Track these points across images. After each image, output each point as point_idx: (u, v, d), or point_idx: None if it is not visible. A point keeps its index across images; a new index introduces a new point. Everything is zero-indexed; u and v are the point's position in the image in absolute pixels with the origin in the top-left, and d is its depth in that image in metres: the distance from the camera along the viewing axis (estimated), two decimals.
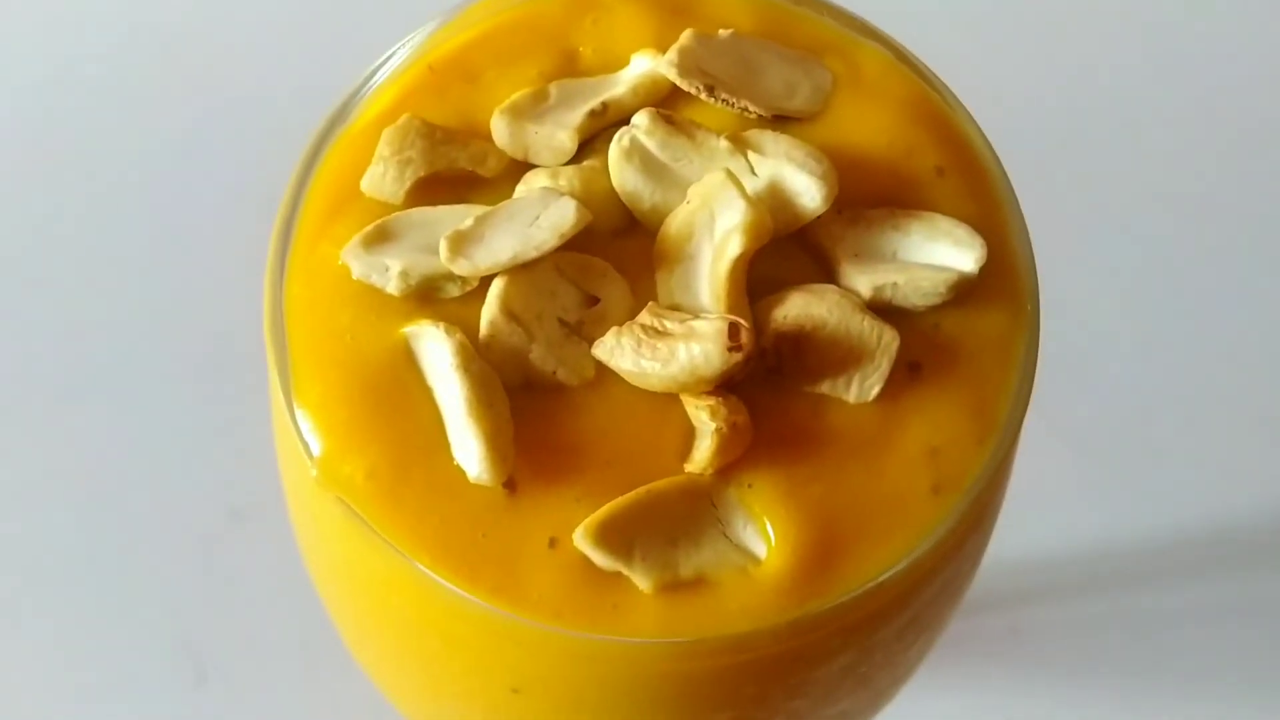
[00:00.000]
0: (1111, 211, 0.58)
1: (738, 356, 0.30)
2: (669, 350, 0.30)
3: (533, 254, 0.31)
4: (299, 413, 0.32)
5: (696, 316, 0.31)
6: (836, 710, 0.36)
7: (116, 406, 0.55)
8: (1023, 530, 0.53)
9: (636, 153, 0.33)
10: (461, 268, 0.31)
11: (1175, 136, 0.60)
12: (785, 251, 0.33)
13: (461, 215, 0.32)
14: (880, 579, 0.30)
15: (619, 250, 0.33)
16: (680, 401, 0.31)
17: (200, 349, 0.55)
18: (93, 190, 0.58)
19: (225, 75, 0.60)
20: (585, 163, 0.33)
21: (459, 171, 0.33)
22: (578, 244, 0.32)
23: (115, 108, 0.60)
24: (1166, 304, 0.57)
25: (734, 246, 0.31)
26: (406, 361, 0.32)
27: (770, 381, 0.32)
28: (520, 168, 0.34)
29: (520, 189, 0.33)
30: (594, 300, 0.32)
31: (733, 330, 0.30)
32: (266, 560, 0.51)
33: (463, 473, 0.31)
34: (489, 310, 0.31)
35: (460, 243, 0.31)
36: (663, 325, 0.31)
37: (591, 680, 0.31)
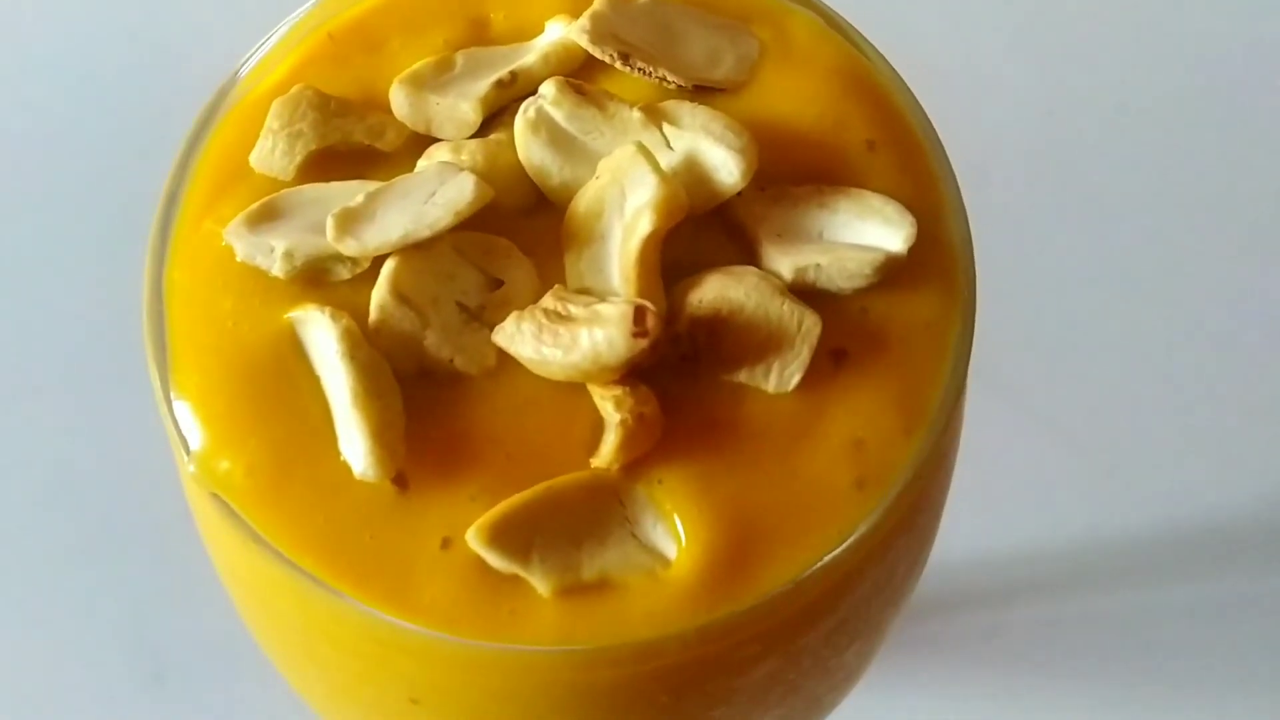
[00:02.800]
0: (1063, 189, 0.56)
1: (643, 343, 0.28)
2: (571, 336, 0.28)
3: (426, 233, 0.29)
4: (176, 404, 0.30)
5: (603, 300, 0.29)
6: (770, 718, 0.34)
7: (66, 400, 0.54)
8: (997, 527, 0.52)
9: (543, 124, 0.30)
10: (349, 248, 0.29)
11: (1134, 104, 0.58)
12: (704, 232, 0.31)
13: (354, 192, 0.30)
14: (798, 580, 0.28)
15: (526, 230, 0.31)
16: (588, 392, 0.29)
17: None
18: None
19: (111, 42, 0.58)
20: (491, 136, 0.31)
21: (356, 146, 0.31)
22: (481, 223, 0.30)
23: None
24: (1144, 290, 0.56)
25: (645, 225, 0.29)
26: (292, 350, 0.30)
27: (684, 370, 0.30)
28: (422, 142, 0.32)
29: (420, 164, 0.31)
30: (497, 283, 0.30)
31: (638, 314, 0.28)
32: None
33: (349, 469, 0.28)
34: (378, 293, 0.29)
35: (348, 221, 0.29)
36: (566, 309, 0.29)
37: (491, 691, 0.29)
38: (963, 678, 0.51)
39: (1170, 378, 0.54)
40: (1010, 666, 0.51)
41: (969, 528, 0.49)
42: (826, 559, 0.28)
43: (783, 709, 0.34)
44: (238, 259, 0.30)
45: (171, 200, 0.31)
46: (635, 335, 0.28)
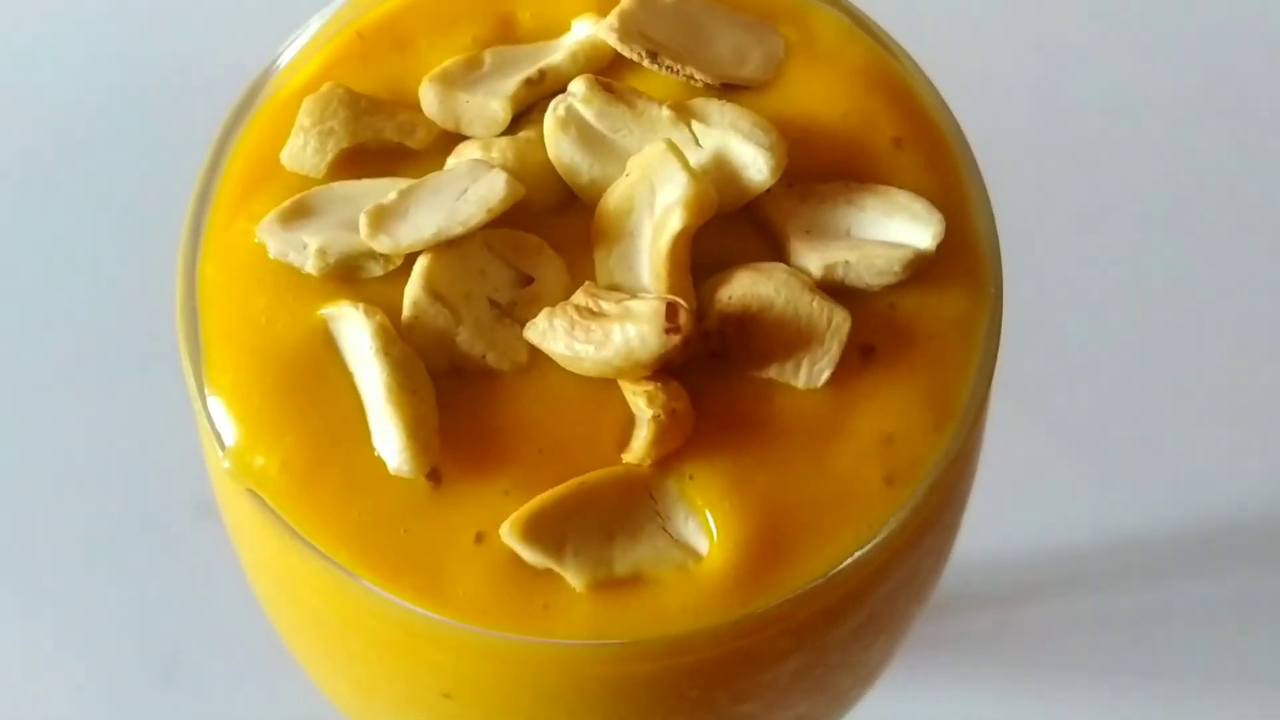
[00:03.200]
0: (1086, 188, 0.56)
1: (675, 339, 0.28)
2: (603, 333, 0.28)
3: (459, 230, 0.29)
4: (211, 401, 0.30)
5: (634, 296, 0.29)
6: (794, 714, 0.34)
7: (87, 399, 0.54)
8: (1009, 527, 0.52)
9: (573, 122, 0.31)
10: (382, 244, 0.29)
11: (1156, 105, 0.58)
12: (733, 229, 0.31)
13: (385, 189, 0.30)
14: (828, 575, 0.28)
15: (556, 227, 0.31)
16: (619, 388, 0.29)
17: (172, 332, 0.54)
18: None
19: (142, 40, 0.58)
20: (520, 134, 0.32)
21: (386, 144, 0.32)
22: (511, 220, 0.30)
23: (28, 77, 0.58)
24: (1155, 288, 0.56)
25: (675, 222, 0.29)
26: (325, 346, 0.30)
27: (714, 366, 0.30)
28: (452, 140, 0.32)
29: (450, 161, 0.31)
30: (528, 280, 0.30)
31: (670, 310, 0.28)
32: (234, 557, 0.50)
33: (383, 464, 0.29)
34: (412, 290, 0.29)
35: (381, 218, 0.29)
36: (598, 306, 0.29)
37: (524, 685, 0.29)
38: (975, 676, 0.51)
39: (1184, 380, 0.54)
40: (1022, 666, 0.51)
41: (981, 528, 0.49)
42: (857, 554, 0.29)
43: (807, 704, 0.34)
44: (270, 256, 0.30)
45: (203, 198, 0.32)
46: (668, 331, 0.28)
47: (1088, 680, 0.50)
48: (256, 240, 0.30)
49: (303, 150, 0.31)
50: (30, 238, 0.56)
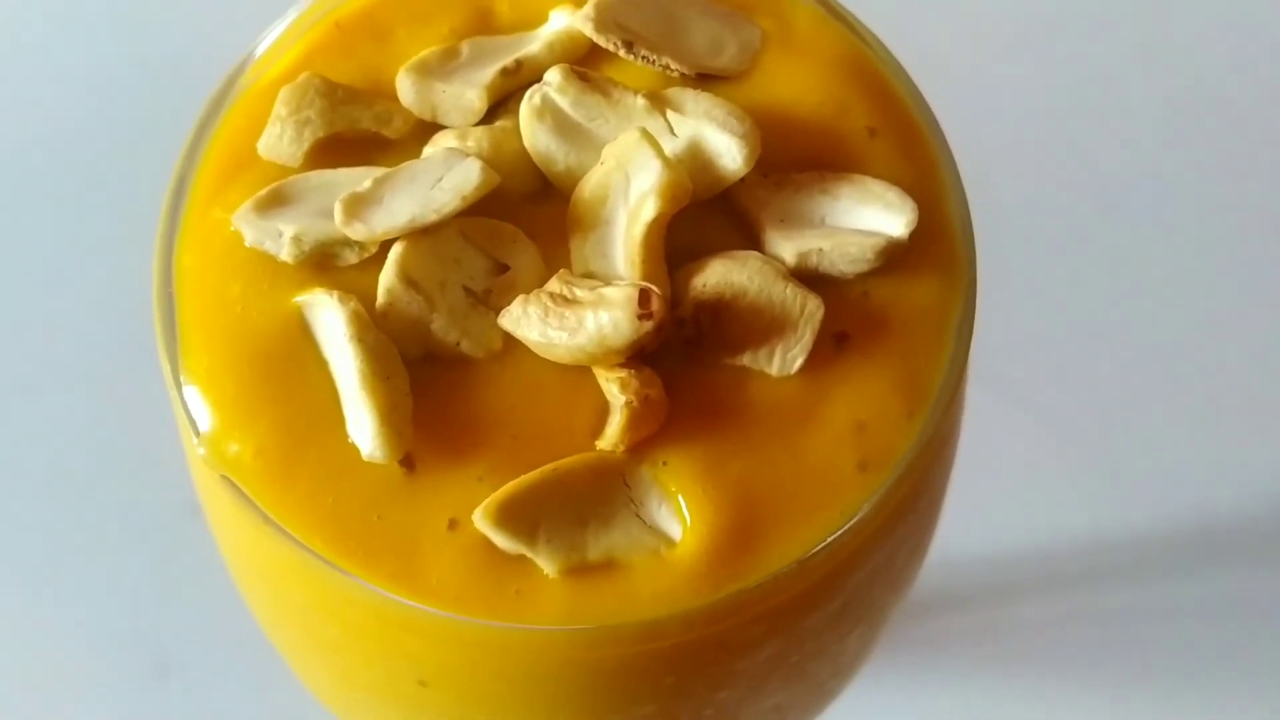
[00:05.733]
0: (1062, 176, 0.56)
1: (648, 325, 0.28)
2: (577, 319, 0.28)
3: (433, 217, 0.29)
4: (186, 388, 0.30)
5: (608, 284, 0.29)
6: (770, 704, 0.34)
7: (71, 393, 0.54)
8: (1004, 525, 0.52)
9: (548, 111, 0.31)
10: (357, 232, 0.29)
11: (1135, 92, 0.58)
12: (707, 218, 0.31)
13: (361, 178, 0.30)
14: (801, 560, 0.28)
15: (532, 216, 0.31)
16: (594, 375, 0.29)
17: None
18: None
19: (119, 30, 0.58)
20: (497, 123, 0.32)
21: (363, 133, 0.32)
22: (487, 209, 0.30)
23: (2, 68, 0.58)
24: (1144, 285, 0.56)
25: (649, 209, 0.29)
26: (300, 333, 0.30)
27: (688, 354, 0.30)
28: (429, 129, 0.32)
29: (427, 151, 0.31)
30: (503, 268, 0.30)
31: (643, 297, 0.28)
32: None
33: (358, 451, 0.29)
34: (386, 277, 0.29)
35: (356, 205, 0.29)
36: (572, 293, 0.29)
37: (499, 671, 0.30)
38: (963, 676, 0.51)
39: (1170, 373, 0.54)
40: (1010, 665, 0.51)
41: (968, 525, 0.49)
42: (830, 540, 0.29)
43: (786, 694, 0.34)
44: (246, 244, 0.30)
45: (180, 187, 0.32)
46: (640, 318, 0.28)
47: (1076, 678, 0.50)
48: (232, 229, 0.30)
49: (279, 140, 0.31)
50: (4, 232, 0.56)
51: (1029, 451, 0.53)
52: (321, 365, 0.30)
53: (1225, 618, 0.51)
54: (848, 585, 0.31)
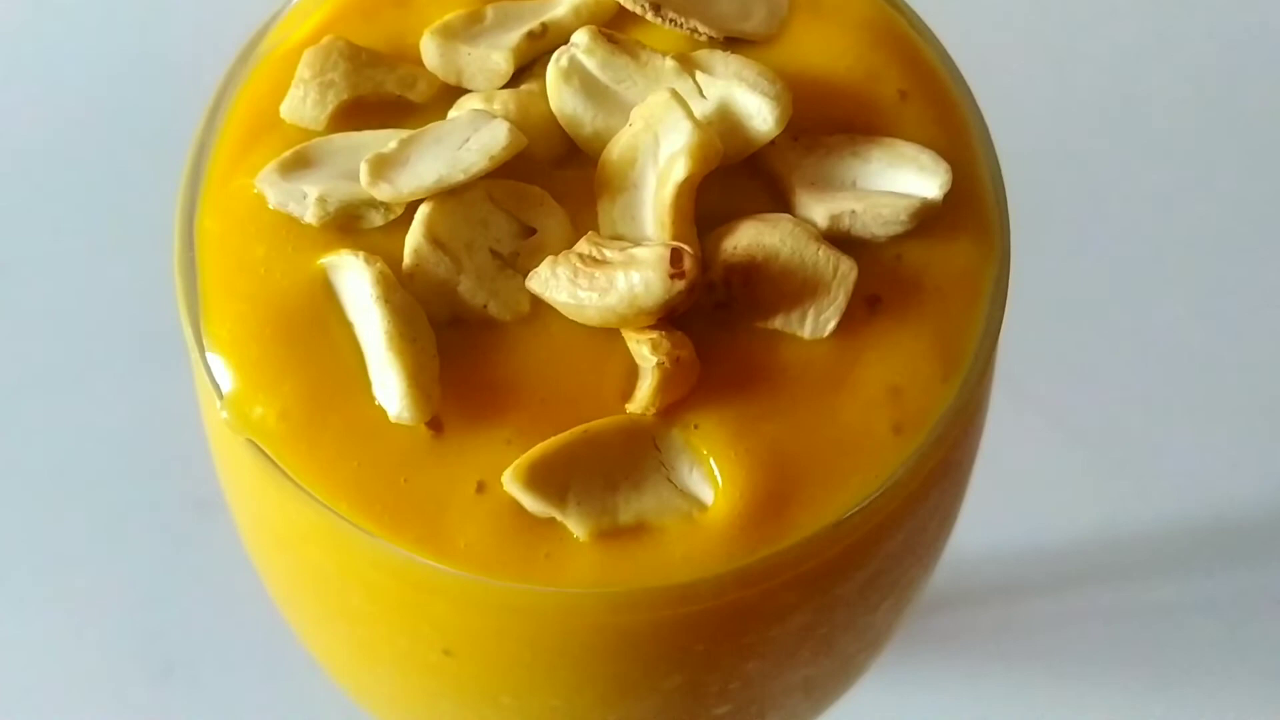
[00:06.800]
0: (1093, 140, 0.55)
1: (680, 284, 0.28)
2: (607, 279, 0.28)
3: (460, 177, 0.29)
4: (209, 353, 0.29)
5: (638, 245, 0.29)
6: (799, 677, 0.34)
7: (79, 394, 0.53)
8: (1017, 522, 0.51)
9: (576, 73, 0.30)
10: (383, 192, 0.29)
11: (1171, 64, 0.57)
12: (738, 182, 0.31)
13: (386, 140, 0.30)
14: (835, 523, 0.28)
15: (559, 181, 0.31)
16: (623, 341, 0.29)
17: (170, 330, 0.53)
18: None
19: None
20: (522, 87, 0.31)
21: (387, 97, 0.31)
22: (513, 173, 0.30)
23: (24, 30, 0.57)
24: (1160, 283, 0.55)
25: (679, 170, 0.29)
26: (325, 296, 0.29)
27: (719, 318, 0.29)
28: (453, 93, 0.31)
29: (452, 113, 0.31)
30: (530, 231, 0.30)
31: (675, 256, 0.28)
32: (233, 551, 0.50)
33: (384, 413, 0.28)
34: (413, 237, 0.29)
35: (382, 166, 0.29)
36: (601, 254, 0.29)
37: (525, 638, 0.29)
38: (976, 672, 0.50)
39: (1183, 372, 0.54)
40: (1022, 661, 0.50)
41: (982, 522, 0.49)
42: (864, 502, 0.28)
43: (814, 668, 0.34)
44: (270, 206, 0.30)
45: (201, 151, 0.31)
46: (672, 276, 0.28)
47: (1089, 676, 0.50)
48: (256, 191, 0.30)
49: (302, 103, 0.31)
50: (27, 210, 0.55)
51: (1041, 448, 0.53)
52: (347, 328, 0.29)
53: (1239, 615, 0.51)
54: (880, 552, 0.30)
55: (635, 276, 0.28)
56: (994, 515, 0.51)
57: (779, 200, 0.31)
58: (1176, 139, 0.57)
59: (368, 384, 0.29)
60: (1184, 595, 0.51)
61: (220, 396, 0.29)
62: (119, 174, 0.55)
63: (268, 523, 0.31)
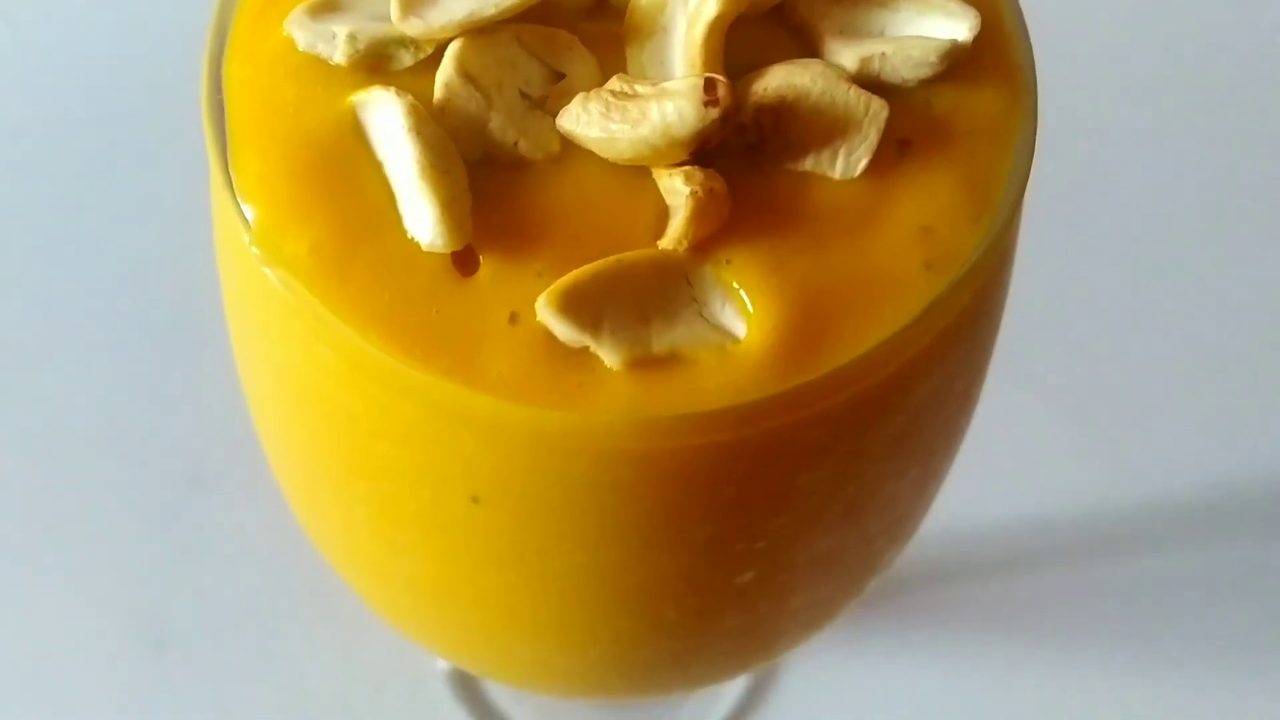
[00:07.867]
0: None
1: (714, 113, 0.28)
2: (640, 111, 0.28)
3: (491, 11, 0.29)
4: (239, 193, 0.29)
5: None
6: (822, 547, 0.33)
7: (73, 371, 0.53)
8: (1012, 495, 0.51)
9: None
10: (413, 27, 0.29)
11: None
12: (766, 32, 0.31)
13: None
14: (867, 353, 0.28)
15: (586, 31, 0.30)
16: (653, 183, 0.29)
17: (163, 306, 0.53)
18: None
19: None
20: None
21: None
22: (542, 21, 0.30)
23: None
24: (1158, 259, 0.55)
25: (710, 9, 0.29)
26: (355, 135, 0.29)
27: (750, 160, 0.29)
28: None
29: None
30: (559, 76, 0.30)
31: (709, 84, 0.28)
32: (228, 527, 0.51)
33: (415, 247, 0.28)
34: (444, 72, 0.29)
35: (413, 2, 0.29)
36: (633, 89, 0.28)
37: (555, 476, 0.29)
38: (970, 646, 0.50)
39: (1180, 346, 0.54)
40: (1022, 634, 0.50)
41: (977, 495, 0.49)
42: (898, 332, 0.28)
43: (838, 538, 0.34)
44: (299, 48, 0.30)
45: (227, 2, 0.31)
46: (706, 104, 0.28)
47: (1086, 649, 0.50)
48: (285, 35, 0.30)
49: None
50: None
51: (1037, 421, 0.53)
52: (376, 167, 0.29)
53: (1237, 589, 0.51)
54: (908, 403, 0.30)
55: (669, 106, 0.28)
56: (991, 490, 0.51)
57: (808, 50, 0.31)
58: (1178, 119, 0.57)
59: (398, 220, 0.28)
60: (1186, 569, 0.51)
61: (250, 232, 0.29)
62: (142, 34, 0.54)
63: (293, 372, 0.31)
